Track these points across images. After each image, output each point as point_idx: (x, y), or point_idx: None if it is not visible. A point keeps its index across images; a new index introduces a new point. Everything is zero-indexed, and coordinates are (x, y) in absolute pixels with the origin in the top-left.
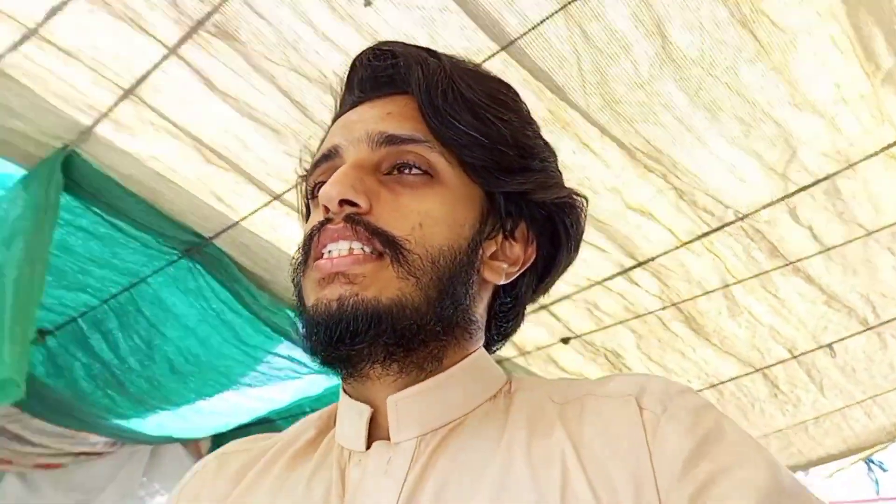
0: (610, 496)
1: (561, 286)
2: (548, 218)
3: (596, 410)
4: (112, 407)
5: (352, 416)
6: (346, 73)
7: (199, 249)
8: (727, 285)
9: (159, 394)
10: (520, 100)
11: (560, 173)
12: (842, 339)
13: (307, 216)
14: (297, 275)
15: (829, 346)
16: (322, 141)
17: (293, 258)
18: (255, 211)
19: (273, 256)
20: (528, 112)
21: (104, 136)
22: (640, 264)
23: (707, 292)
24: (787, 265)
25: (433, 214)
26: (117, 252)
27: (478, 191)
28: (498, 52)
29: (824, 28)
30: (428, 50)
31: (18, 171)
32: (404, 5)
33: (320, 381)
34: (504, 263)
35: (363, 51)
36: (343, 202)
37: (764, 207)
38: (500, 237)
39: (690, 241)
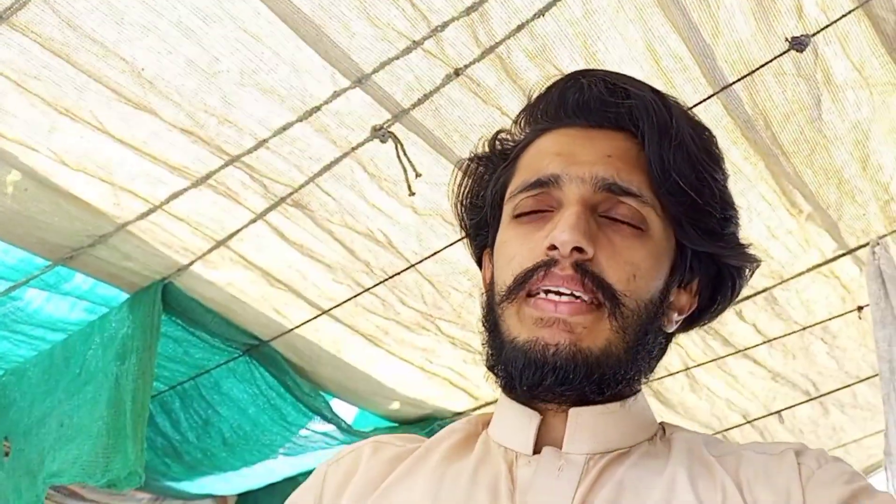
0: None
1: None
2: (718, 274)
3: (754, 461)
4: (166, 472)
5: (520, 419)
6: (564, 82)
7: (258, 349)
8: (688, 368)
9: (210, 462)
10: (721, 152)
11: None
12: (789, 408)
13: (475, 224)
14: (503, 301)
15: (779, 413)
16: (516, 151)
17: (496, 287)
18: (306, 322)
19: (314, 353)
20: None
21: (195, 271)
22: None
23: (672, 373)
24: (737, 352)
25: (643, 267)
26: (189, 351)
27: (673, 243)
28: None
29: (754, 190)
30: (655, 91)
31: (120, 295)
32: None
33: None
34: (674, 312)
35: (591, 75)
36: (573, 248)
37: None
38: (675, 287)
39: None
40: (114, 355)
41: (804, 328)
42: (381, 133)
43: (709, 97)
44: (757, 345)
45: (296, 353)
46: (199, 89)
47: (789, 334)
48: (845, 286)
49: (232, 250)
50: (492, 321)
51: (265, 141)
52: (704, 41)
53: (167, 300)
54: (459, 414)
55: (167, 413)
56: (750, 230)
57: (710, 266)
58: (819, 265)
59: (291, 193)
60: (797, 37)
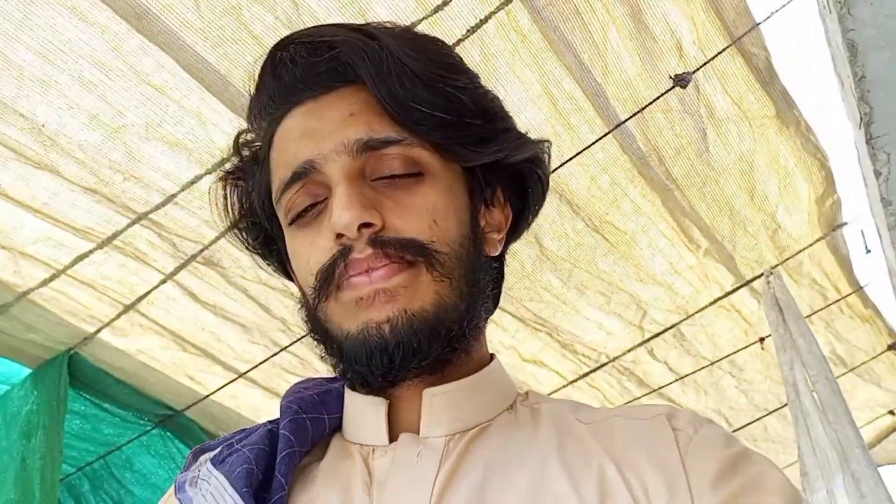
0: (645, 495)
1: None
2: (518, 174)
3: (627, 428)
4: None
5: (367, 410)
6: (270, 63)
7: (172, 419)
8: None
9: None
10: (458, 56)
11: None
12: None
13: (262, 241)
14: (316, 304)
15: None
16: (265, 146)
17: (306, 294)
18: (222, 387)
19: (232, 420)
20: (468, 67)
21: (102, 339)
22: None
23: None
24: (651, 392)
25: (439, 208)
26: (98, 427)
27: (458, 170)
28: None
29: (654, 227)
30: (360, 29)
31: (22, 370)
32: None
33: None
34: (493, 233)
35: (288, 42)
36: (361, 226)
37: (628, 351)
38: (482, 209)
39: (575, 380)
40: (19, 433)
41: (712, 363)
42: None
43: (604, 136)
44: (670, 383)
45: (213, 421)
46: (102, 145)
47: (699, 370)
48: (746, 319)
49: (142, 314)
50: (319, 328)
51: (173, 196)
52: (596, 81)
53: (73, 372)
54: None
55: (76, 498)
56: (653, 266)
57: (504, 170)
58: (720, 298)
59: (202, 251)
60: (679, 74)
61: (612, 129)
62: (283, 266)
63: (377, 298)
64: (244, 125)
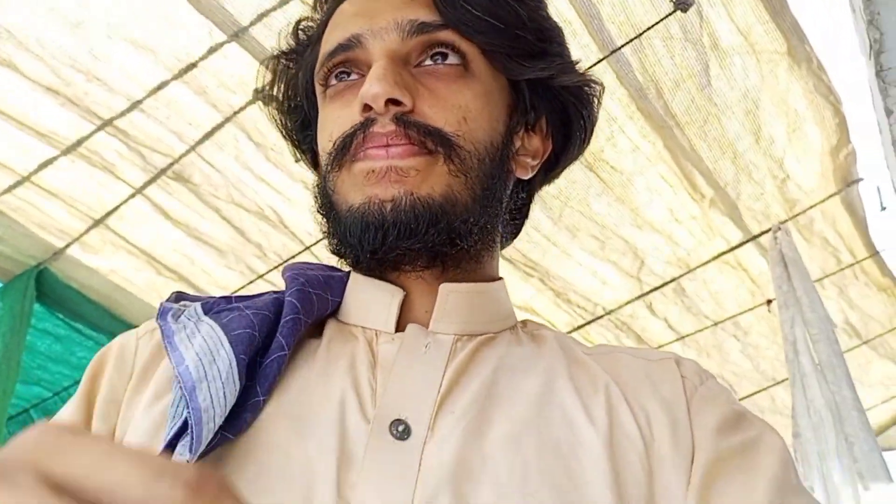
0: (648, 428)
1: None
2: (563, 109)
3: (633, 363)
4: None
5: (380, 296)
6: None
7: None
8: None
9: None
10: None
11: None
12: None
13: (298, 126)
14: (328, 173)
15: None
16: (319, 30)
17: (322, 165)
18: None
19: None
20: None
21: (72, 255)
22: None
23: None
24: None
25: (473, 108)
26: (71, 349)
27: (503, 82)
28: None
29: (653, 168)
30: None
31: None
32: None
33: None
34: (528, 158)
35: None
36: (389, 101)
37: (626, 304)
38: (521, 131)
39: (570, 332)
40: None
41: (715, 323)
42: (263, 96)
43: (598, 62)
44: (670, 342)
45: None
46: (62, 40)
47: (701, 330)
48: (753, 279)
49: (111, 230)
50: (325, 201)
51: (139, 102)
52: (590, 1)
53: (44, 289)
54: None
55: None
56: (651, 212)
57: (553, 101)
58: (724, 252)
59: (172, 164)
60: None
61: (608, 56)
62: (315, 158)
63: (387, 176)
64: (215, 30)
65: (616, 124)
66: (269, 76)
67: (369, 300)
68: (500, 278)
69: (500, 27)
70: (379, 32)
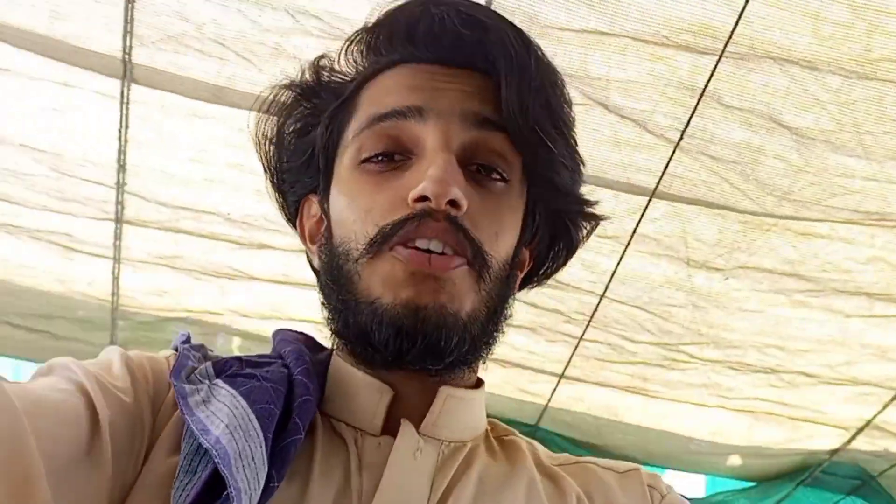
0: None
1: None
2: (559, 232)
3: (599, 475)
4: None
5: (365, 394)
6: (410, 13)
7: None
8: None
9: None
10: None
11: None
12: None
13: (300, 174)
14: (361, 257)
15: None
16: (356, 85)
17: (346, 241)
18: None
19: None
20: None
21: None
22: None
23: None
24: None
25: (506, 224)
26: None
27: (525, 196)
28: None
29: None
30: (513, 27)
31: None
32: None
33: None
34: (517, 270)
35: (442, 3)
36: (449, 203)
37: None
38: (522, 246)
39: None
40: None
41: None
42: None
43: None
44: None
45: None
46: None
47: None
48: None
49: None
50: (341, 280)
51: None
52: None
53: None
54: None
55: None
56: None
57: (555, 223)
58: None
59: None
60: None
61: None
62: (297, 201)
63: (426, 284)
64: None
65: None
66: (276, 104)
67: (355, 395)
68: (482, 382)
69: (558, 159)
70: (442, 114)
